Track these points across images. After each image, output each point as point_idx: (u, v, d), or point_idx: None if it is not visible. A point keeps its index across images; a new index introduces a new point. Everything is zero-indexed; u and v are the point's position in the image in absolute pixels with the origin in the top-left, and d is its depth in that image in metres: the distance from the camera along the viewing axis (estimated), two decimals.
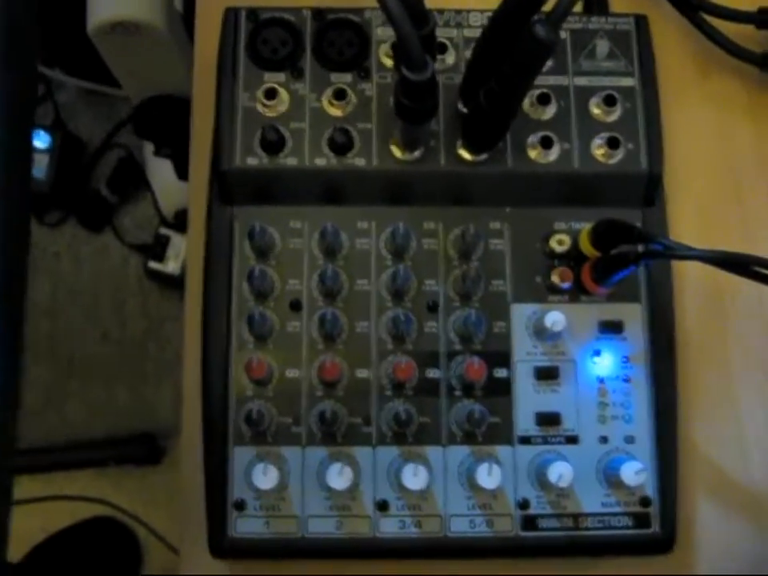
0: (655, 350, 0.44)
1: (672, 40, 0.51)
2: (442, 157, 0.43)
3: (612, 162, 0.44)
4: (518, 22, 0.36)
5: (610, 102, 0.44)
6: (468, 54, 0.44)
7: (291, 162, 0.43)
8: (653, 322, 0.44)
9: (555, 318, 0.42)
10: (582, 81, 0.45)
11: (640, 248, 0.41)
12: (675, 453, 0.44)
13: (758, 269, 0.36)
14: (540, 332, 0.43)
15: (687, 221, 0.48)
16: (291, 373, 0.43)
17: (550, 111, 0.44)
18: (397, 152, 0.43)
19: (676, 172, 0.48)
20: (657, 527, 0.43)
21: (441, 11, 0.46)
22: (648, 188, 0.45)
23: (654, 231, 0.45)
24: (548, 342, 0.43)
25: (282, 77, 0.44)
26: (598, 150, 0.44)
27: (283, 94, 0.44)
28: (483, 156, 0.43)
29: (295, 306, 0.43)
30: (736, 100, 0.50)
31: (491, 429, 0.43)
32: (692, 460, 0.45)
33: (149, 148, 1.03)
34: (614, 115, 0.44)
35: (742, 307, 0.47)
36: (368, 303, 0.44)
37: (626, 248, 0.41)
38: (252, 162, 0.43)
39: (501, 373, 0.43)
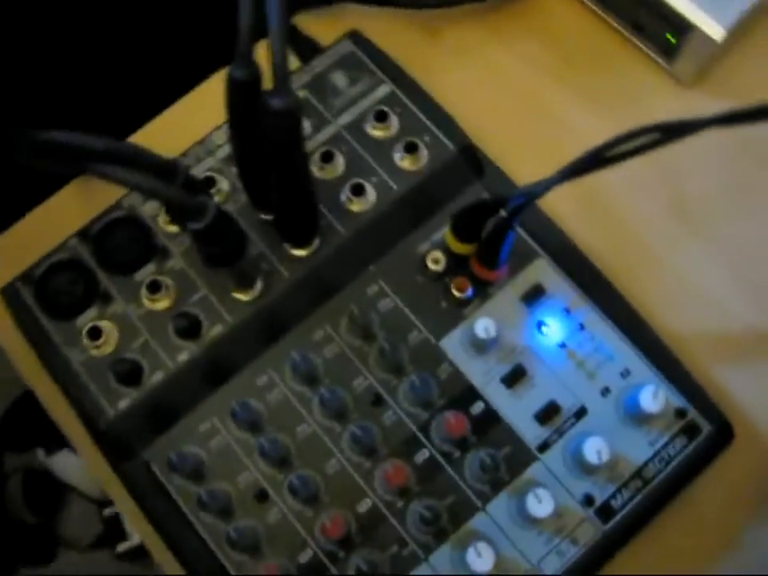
0: (583, 283, 0.42)
1: (391, 31, 0.50)
2: (283, 269, 0.41)
3: (423, 163, 0.42)
4: (249, 109, 0.33)
5: (381, 117, 0.43)
6: (234, 170, 0.42)
7: (158, 376, 0.40)
8: (563, 264, 0.42)
9: (484, 326, 0.40)
10: (346, 118, 0.44)
11: (503, 213, 0.39)
12: (667, 351, 0.42)
13: (609, 154, 0.35)
14: (481, 346, 0.41)
15: (520, 161, 0.47)
16: (304, 556, 0.39)
17: (339, 162, 0.43)
18: (242, 296, 0.41)
19: (483, 128, 0.47)
20: (708, 425, 0.40)
21: (184, 153, 0.44)
22: (469, 162, 0.44)
23: (502, 191, 0.43)
24: (493, 349, 0.41)
25: (93, 312, 0.41)
26: (404, 161, 0.42)
27: (105, 324, 0.40)
28: (316, 242, 0.41)
29: (261, 496, 0.40)
30: (474, 39, 0.50)
31: (509, 461, 0.40)
32: (684, 344, 0.43)
33: (41, 453, 0.97)
34: (395, 124, 0.43)
35: (616, 193, 0.47)
36: (320, 443, 0.40)
37: (492, 221, 0.39)
38: (124, 403, 0.40)
39: (478, 408, 0.40)
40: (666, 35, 0.48)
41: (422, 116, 0.44)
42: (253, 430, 0.40)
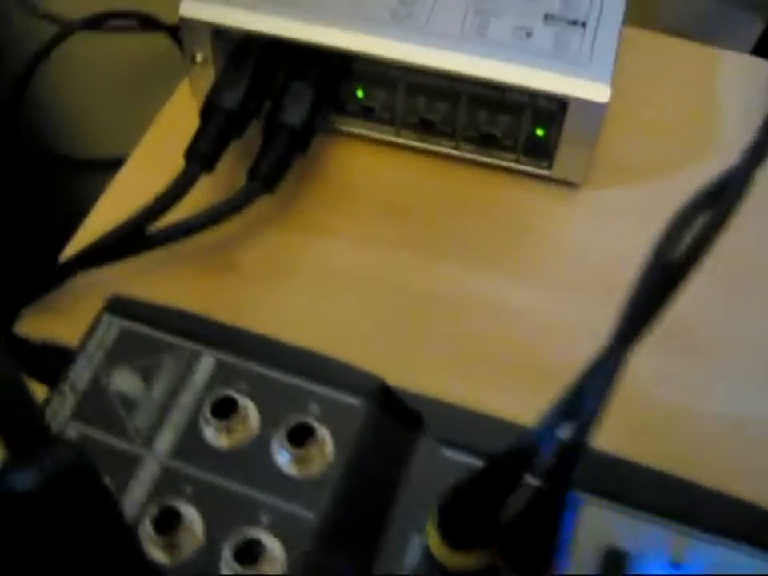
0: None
1: (166, 276, 0.32)
2: None
3: (329, 451, 0.24)
4: None
5: (226, 409, 0.24)
6: None
7: None
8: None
9: None
10: (162, 445, 0.24)
11: (535, 481, 0.21)
12: None
13: (680, 275, 0.19)
14: None
15: (438, 373, 0.29)
16: None
17: (191, 529, 0.23)
18: None
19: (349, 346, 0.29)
20: None
21: None
22: (392, 411, 0.25)
23: (482, 437, 0.25)
24: None
25: None
26: (297, 465, 0.23)
27: None
28: None
29: None
30: (285, 250, 0.34)
31: None
32: None
33: None
34: (250, 410, 0.24)
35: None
36: None
37: (524, 501, 0.21)
38: None
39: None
40: (534, 130, 0.34)
41: (283, 376, 0.25)
42: None
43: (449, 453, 0.25)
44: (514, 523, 0.21)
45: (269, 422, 0.24)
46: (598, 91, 0.32)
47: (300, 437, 0.24)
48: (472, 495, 0.21)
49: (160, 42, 0.56)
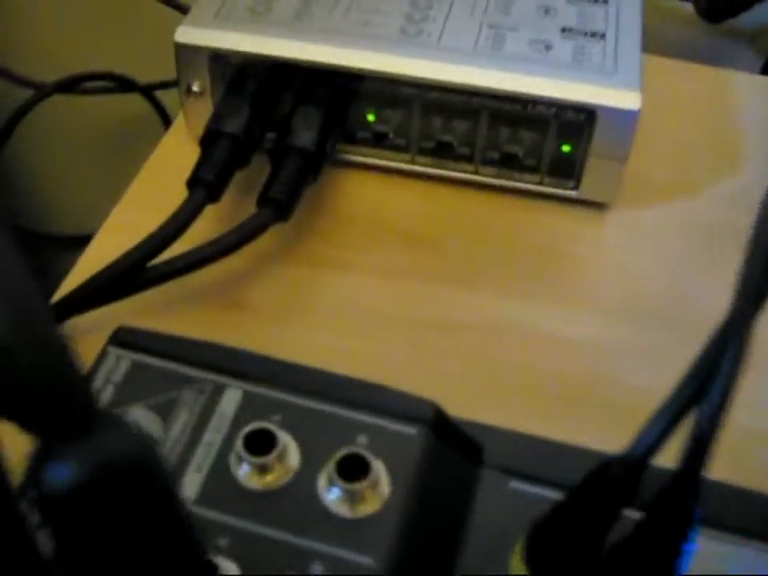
0: None
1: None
2: None
3: (385, 491, 0.20)
4: None
5: (261, 446, 0.20)
6: None
7: None
8: None
9: None
10: (191, 491, 0.21)
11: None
12: None
13: None
14: None
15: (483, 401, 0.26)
16: None
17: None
18: None
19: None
20: None
21: None
22: (451, 440, 0.22)
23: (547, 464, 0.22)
24: None
25: None
26: (354, 508, 0.20)
27: None
28: None
29: None
30: (308, 274, 0.31)
31: None
32: None
33: None
34: (292, 450, 0.21)
35: None
36: None
37: (638, 528, 0.17)
38: None
39: None
40: (560, 146, 0.32)
41: (323, 406, 0.22)
42: None
43: (516, 484, 0.22)
44: (618, 556, 0.18)
45: (312, 456, 0.21)
46: (628, 98, 0.30)
47: (351, 471, 0.20)
48: (570, 524, 0.18)
49: (135, 103, 0.54)
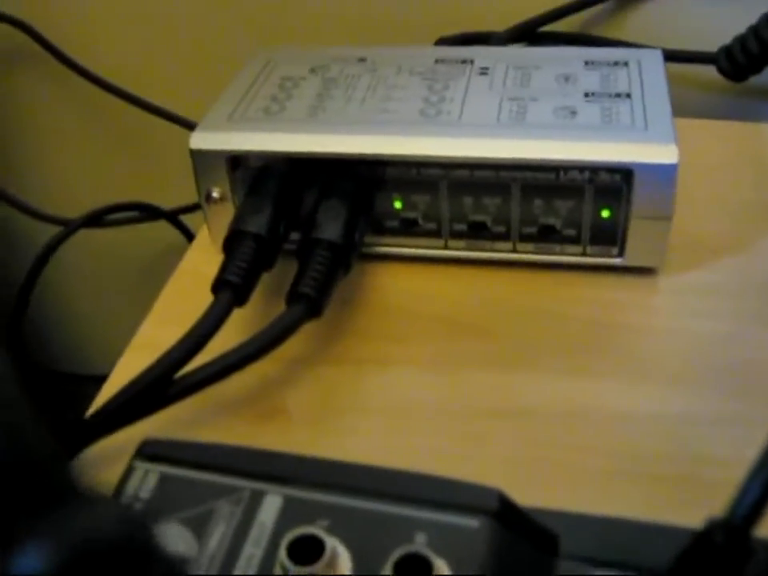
0: None
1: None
2: None
3: None
4: None
5: (313, 551, 0.18)
6: None
7: None
8: None
9: None
10: None
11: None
12: None
13: None
14: None
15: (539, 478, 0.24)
16: None
17: None
18: None
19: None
20: None
21: None
22: (518, 532, 0.19)
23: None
24: None
25: None
26: None
27: None
28: None
29: None
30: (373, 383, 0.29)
31: None
32: None
33: None
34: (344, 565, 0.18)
35: None
36: None
37: None
38: None
39: None
40: (599, 212, 0.30)
41: (372, 505, 0.19)
42: None
43: (599, 573, 0.19)
44: None
45: (365, 561, 0.18)
46: (664, 153, 0.28)
47: (412, 573, 0.17)
48: None
49: (161, 230, 0.54)
